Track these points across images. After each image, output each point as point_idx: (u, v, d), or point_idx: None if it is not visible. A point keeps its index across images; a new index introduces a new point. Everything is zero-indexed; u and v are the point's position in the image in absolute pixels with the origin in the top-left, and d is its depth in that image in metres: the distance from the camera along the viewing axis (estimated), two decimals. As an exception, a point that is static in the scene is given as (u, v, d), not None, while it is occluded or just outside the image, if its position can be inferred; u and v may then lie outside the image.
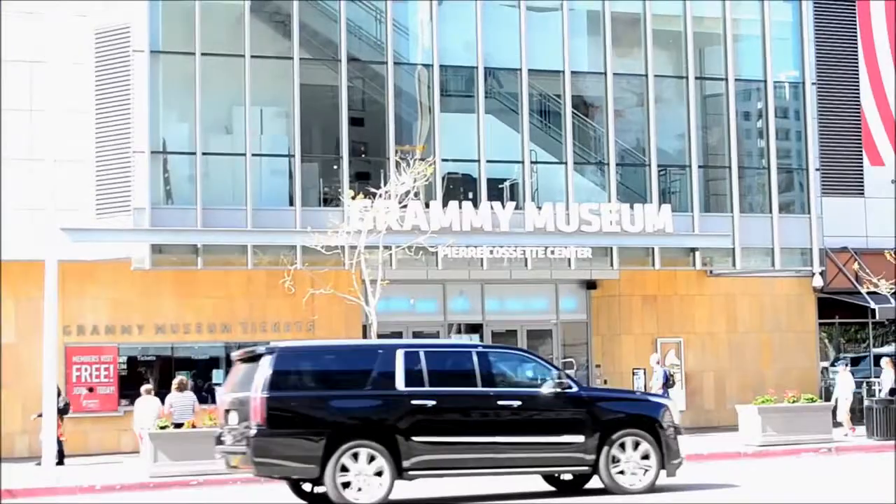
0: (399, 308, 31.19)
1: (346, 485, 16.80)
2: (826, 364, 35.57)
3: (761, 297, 34.71)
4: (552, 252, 30.07)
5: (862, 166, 36.47)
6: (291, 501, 18.12)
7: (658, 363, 30.88)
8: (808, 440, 27.00)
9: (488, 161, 30.67)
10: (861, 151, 36.45)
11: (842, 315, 35.87)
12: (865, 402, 29.68)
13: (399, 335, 31.22)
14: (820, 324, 35.82)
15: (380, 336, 25.86)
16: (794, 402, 27.43)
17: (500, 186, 31.10)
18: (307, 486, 18.12)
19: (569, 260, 30.24)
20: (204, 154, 28.39)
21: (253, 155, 28.65)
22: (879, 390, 30.06)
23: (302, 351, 18.49)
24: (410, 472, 17.15)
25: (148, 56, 27.61)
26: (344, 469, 16.77)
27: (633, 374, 32.51)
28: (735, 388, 32.58)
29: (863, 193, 36.15)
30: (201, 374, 30.88)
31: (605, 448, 17.48)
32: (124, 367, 30.23)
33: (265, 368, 17.16)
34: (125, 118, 28.01)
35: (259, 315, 30.77)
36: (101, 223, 27.82)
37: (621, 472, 17.56)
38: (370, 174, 29.75)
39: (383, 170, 28.40)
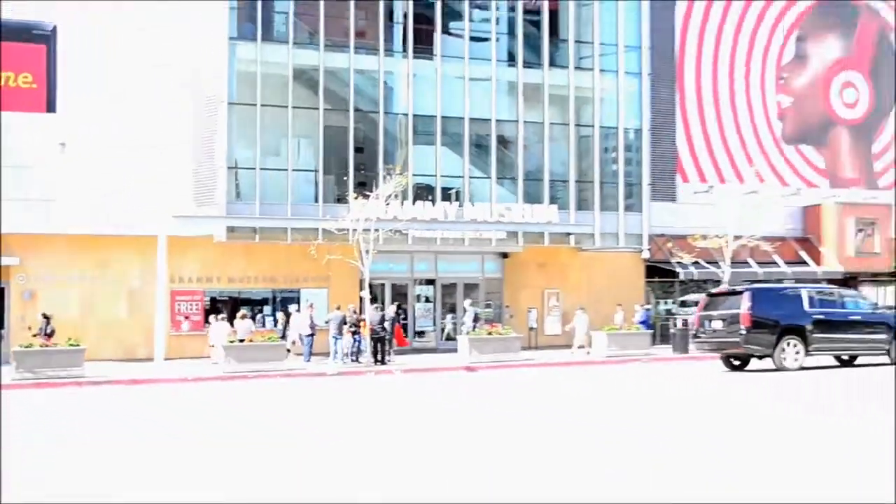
0: (383, 269, 34.48)
1: (783, 360, 23.26)
2: (648, 306, 37.71)
3: (610, 264, 38.76)
4: (480, 235, 34.85)
5: (675, 183, 41.16)
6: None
7: (471, 304, 33.47)
8: (637, 354, 30.60)
9: (442, 175, 35.52)
10: (676, 174, 41.21)
11: (660, 276, 39.86)
12: (671, 329, 34.23)
13: (381, 286, 35.36)
14: (646, 282, 40.03)
15: (371, 287, 30.16)
16: (627, 330, 32.15)
17: (450, 192, 35.56)
18: (735, 361, 24.48)
19: (491, 240, 35.09)
20: (262, 169, 33.73)
21: (293, 170, 33.85)
22: (684, 322, 33.11)
23: (761, 289, 24.17)
24: (811, 352, 23.71)
25: (226, 106, 33.37)
26: (783, 351, 23.35)
27: (528, 311, 36.56)
28: (593, 322, 33.91)
29: (675, 200, 40.96)
30: (256, 309, 34.98)
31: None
32: (208, 303, 34.96)
33: (747, 297, 23.55)
34: (211, 147, 33.52)
35: (294, 272, 35.09)
36: (196, 212, 32.95)
37: None
38: (367, 183, 32.91)
39: (375, 181, 31.76)
